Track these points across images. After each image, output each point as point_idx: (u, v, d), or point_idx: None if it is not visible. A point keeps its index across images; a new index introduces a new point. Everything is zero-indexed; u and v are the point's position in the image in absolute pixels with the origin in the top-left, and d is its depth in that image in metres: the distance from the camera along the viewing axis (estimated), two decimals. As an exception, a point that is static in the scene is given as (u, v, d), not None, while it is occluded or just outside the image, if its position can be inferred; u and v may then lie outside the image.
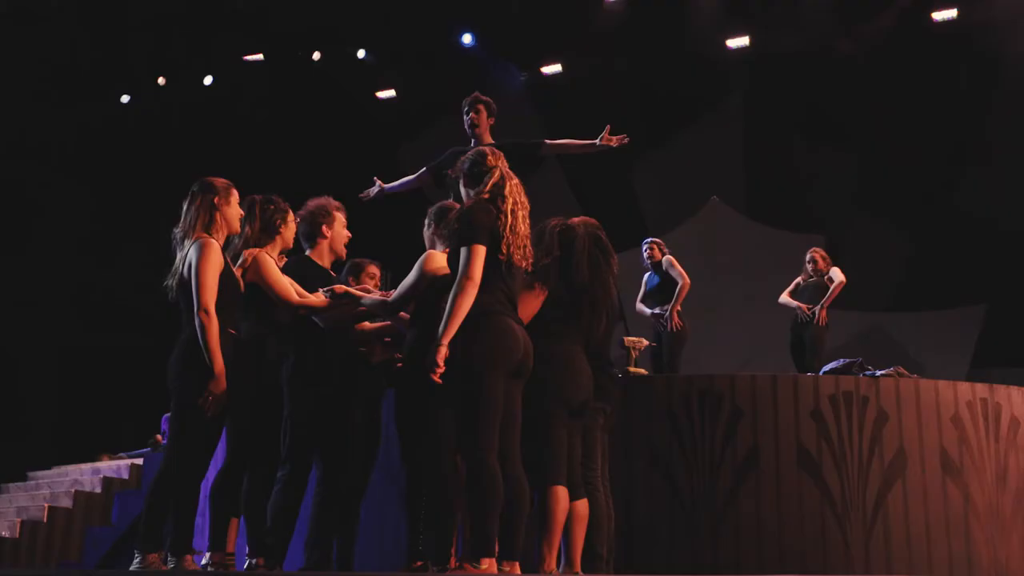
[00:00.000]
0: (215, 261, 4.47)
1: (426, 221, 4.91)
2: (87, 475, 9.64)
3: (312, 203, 5.09)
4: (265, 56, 13.39)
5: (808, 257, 9.16)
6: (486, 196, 4.21)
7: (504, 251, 4.12)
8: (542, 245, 4.48)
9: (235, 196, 4.69)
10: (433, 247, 4.77)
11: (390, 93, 13.68)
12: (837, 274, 8.92)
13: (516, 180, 4.29)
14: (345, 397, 4.92)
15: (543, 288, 4.44)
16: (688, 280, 8.46)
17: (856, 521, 5.53)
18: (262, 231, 4.89)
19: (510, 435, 4.10)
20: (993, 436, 5.86)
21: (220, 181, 4.66)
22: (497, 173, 4.26)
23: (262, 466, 4.75)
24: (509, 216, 4.16)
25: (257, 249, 4.82)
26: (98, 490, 9.21)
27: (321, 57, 13.41)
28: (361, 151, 13.00)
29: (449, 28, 12.99)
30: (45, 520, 8.85)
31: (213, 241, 4.52)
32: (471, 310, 4.01)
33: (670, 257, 8.71)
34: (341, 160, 12.59)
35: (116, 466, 9.66)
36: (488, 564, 3.91)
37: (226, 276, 4.55)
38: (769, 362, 10.10)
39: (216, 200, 4.59)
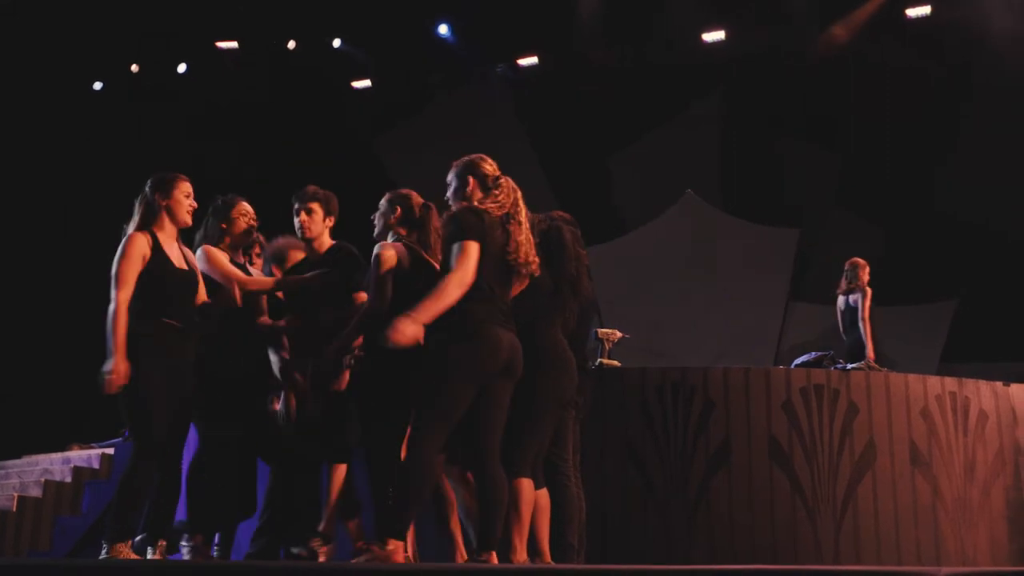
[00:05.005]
0: (132, 255, 4.50)
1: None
2: (57, 464, 9.57)
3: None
4: (239, 44, 13.29)
5: (847, 267, 8.63)
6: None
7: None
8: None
9: (181, 188, 4.68)
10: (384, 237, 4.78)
11: (365, 83, 13.63)
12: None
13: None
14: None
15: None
16: None
17: (826, 512, 5.59)
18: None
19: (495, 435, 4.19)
20: (961, 429, 5.94)
21: (166, 177, 4.69)
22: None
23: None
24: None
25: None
26: (68, 479, 9.13)
27: (296, 46, 13.33)
28: (337, 141, 12.97)
29: (426, 18, 12.96)
30: (15, 509, 8.77)
31: (137, 235, 4.54)
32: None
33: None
34: (316, 150, 12.55)
35: (87, 455, 9.57)
36: (394, 546, 4.00)
37: (165, 268, 4.55)
38: (743, 355, 10.16)
39: (156, 196, 4.63)
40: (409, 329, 3.98)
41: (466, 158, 4.48)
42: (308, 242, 4.97)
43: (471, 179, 4.41)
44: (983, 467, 5.97)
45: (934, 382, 5.99)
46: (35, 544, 8.63)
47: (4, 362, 11.85)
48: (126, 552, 4.33)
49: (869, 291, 8.50)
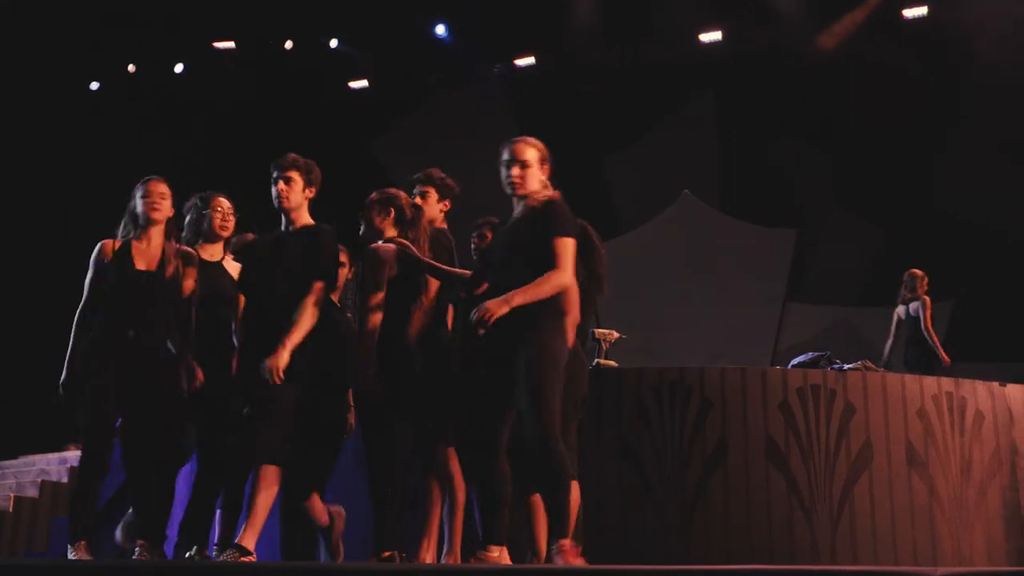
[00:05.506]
0: (93, 263, 4.64)
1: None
2: (54, 464, 9.57)
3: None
4: (236, 44, 13.27)
5: (905, 278, 9.05)
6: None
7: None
8: None
9: (153, 190, 4.72)
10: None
11: (363, 83, 13.62)
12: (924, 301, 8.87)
13: None
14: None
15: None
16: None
17: (823, 513, 5.58)
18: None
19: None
20: (958, 430, 5.93)
21: (141, 180, 4.75)
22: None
23: None
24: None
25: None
26: (65, 480, 9.14)
27: (293, 46, 13.32)
28: (335, 141, 12.94)
29: (423, 18, 12.94)
30: (11, 510, 8.77)
31: (102, 244, 4.67)
32: None
33: None
34: (315, 150, 12.51)
35: (84, 456, 9.57)
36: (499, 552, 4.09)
37: (127, 274, 4.57)
38: (741, 356, 10.16)
39: (133, 201, 4.72)
40: (499, 309, 3.86)
41: (534, 140, 4.29)
42: (285, 212, 4.65)
43: (548, 164, 4.25)
44: (979, 467, 5.96)
45: (930, 382, 5.98)
46: (32, 544, 8.64)
47: (1, 362, 11.84)
48: (81, 552, 4.32)
49: (928, 300, 8.96)
